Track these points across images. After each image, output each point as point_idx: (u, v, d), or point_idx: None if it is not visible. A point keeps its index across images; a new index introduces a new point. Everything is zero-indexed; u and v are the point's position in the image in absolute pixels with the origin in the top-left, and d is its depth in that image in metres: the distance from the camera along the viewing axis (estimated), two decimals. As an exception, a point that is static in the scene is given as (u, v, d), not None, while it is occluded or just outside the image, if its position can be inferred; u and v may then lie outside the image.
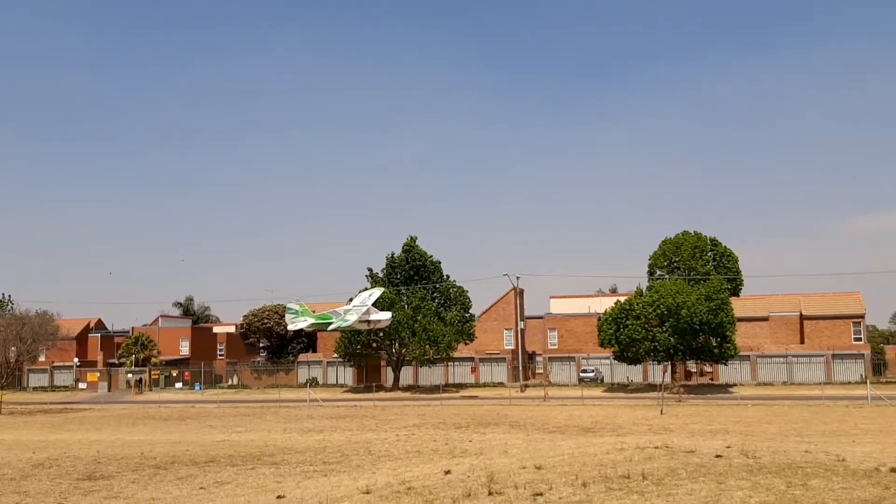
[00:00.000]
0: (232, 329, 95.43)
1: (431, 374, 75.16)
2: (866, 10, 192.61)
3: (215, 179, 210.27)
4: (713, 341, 59.20)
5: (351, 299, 56.92)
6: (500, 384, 71.81)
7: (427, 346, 65.45)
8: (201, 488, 18.72)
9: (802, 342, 73.43)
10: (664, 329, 57.97)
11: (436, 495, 13.35)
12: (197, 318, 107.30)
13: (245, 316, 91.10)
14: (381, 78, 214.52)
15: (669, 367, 62.06)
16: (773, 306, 76.49)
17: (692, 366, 71.90)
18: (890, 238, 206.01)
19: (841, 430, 28.41)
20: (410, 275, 71.60)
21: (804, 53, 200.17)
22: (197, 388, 78.07)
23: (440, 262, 72.95)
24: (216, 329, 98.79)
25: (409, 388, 70.28)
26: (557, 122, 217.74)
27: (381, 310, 64.49)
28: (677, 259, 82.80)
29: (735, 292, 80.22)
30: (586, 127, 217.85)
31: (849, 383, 62.65)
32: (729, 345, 59.17)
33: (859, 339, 72.09)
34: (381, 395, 62.43)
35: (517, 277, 72.42)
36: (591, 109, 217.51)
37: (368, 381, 72.73)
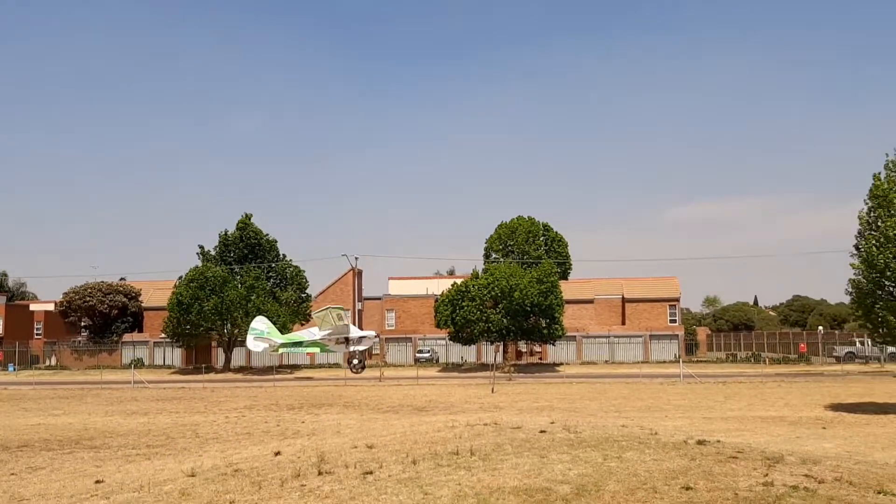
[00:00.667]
0: (51, 307, 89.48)
1: (265, 355, 73.65)
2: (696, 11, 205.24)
3: (31, 151, 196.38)
4: (543, 322, 61.49)
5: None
6: (336, 365, 71.58)
7: (261, 327, 64.09)
8: (12, 474, 17.48)
9: (624, 323, 77.68)
10: (498, 310, 59.60)
11: (264, 476, 13.12)
12: (12, 295, 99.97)
13: (65, 293, 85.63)
14: (220, 52, 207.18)
15: (502, 347, 63.96)
16: (598, 289, 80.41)
17: (523, 346, 74.53)
18: (703, 227, 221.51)
19: (655, 406, 30.26)
20: (245, 253, 69.78)
21: (636, 41, 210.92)
22: (10, 368, 72.86)
23: (276, 241, 71.57)
24: (33, 307, 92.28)
25: (241, 370, 68.69)
26: (399, 102, 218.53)
27: (212, 291, 62.56)
28: (512, 243, 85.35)
29: (564, 276, 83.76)
30: (429, 109, 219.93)
31: (664, 362, 66.90)
32: (557, 326, 61.66)
33: (674, 321, 77.12)
34: (212, 376, 60.63)
35: (356, 258, 72.38)
36: (435, 92, 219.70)
37: (198, 362, 70.42)
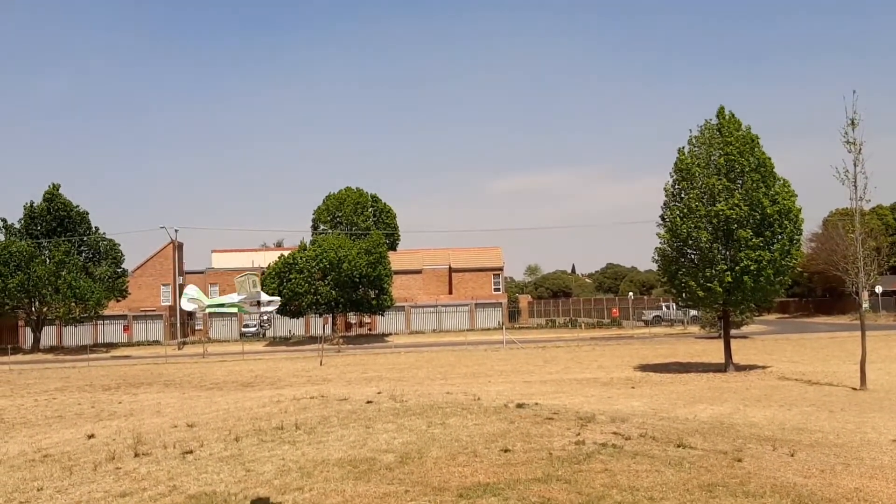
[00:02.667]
0: None
1: (78, 334, 69.67)
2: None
3: None
4: (372, 293, 61.70)
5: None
6: (157, 342, 68.66)
7: (73, 304, 60.25)
8: None
9: (451, 293, 79.39)
10: (326, 282, 59.19)
11: (76, 461, 12.42)
12: None
13: None
14: (27, 13, 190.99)
15: (331, 320, 63.66)
16: (426, 260, 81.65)
17: (352, 317, 74.59)
18: (525, 198, 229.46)
19: (479, 372, 31.19)
20: (53, 226, 65.17)
21: (457, 20, 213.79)
22: None
23: (88, 213, 67.32)
24: None
25: (52, 350, 64.44)
26: (220, 71, 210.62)
27: (17, 267, 58.25)
28: (340, 214, 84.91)
29: (392, 247, 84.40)
30: (254, 74, 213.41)
31: (489, 329, 68.98)
32: (386, 296, 62.06)
33: (498, 290, 79.69)
34: (19, 357, 56.49)
35: (175, 230, 69.28)
36: (264, 61, 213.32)
37: (3, 343, 65.41)
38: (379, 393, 20.86)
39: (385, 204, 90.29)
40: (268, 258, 73.71)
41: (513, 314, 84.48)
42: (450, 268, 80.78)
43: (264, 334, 70.85)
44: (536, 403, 17.71)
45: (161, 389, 29.22)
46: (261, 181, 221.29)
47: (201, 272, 79.82)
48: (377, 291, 61.67)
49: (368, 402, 18.24)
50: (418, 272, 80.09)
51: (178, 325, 66.25)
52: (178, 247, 74.60)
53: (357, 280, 59.42)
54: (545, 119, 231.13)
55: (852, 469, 9.94)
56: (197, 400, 23.39)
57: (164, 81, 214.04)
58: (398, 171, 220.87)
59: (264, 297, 7.77)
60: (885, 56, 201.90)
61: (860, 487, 8.85)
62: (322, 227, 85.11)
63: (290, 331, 70.90)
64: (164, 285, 76.82)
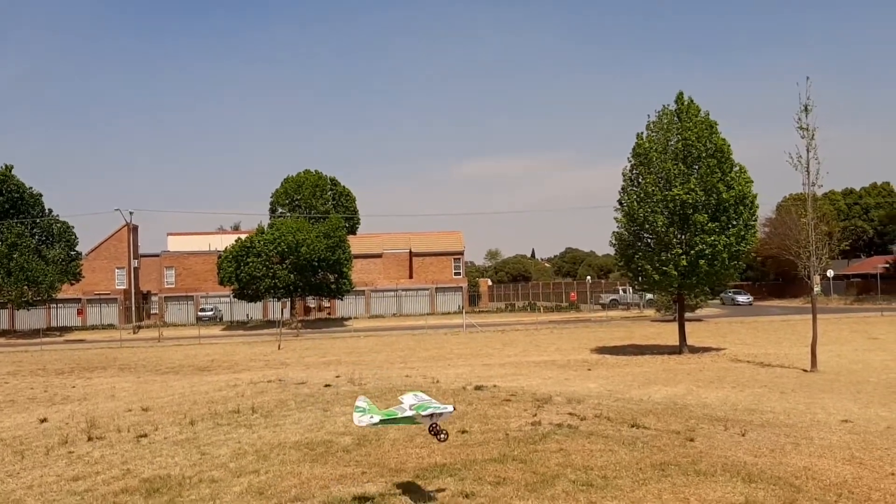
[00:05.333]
0: None
1: (31, 318, 68.36)
2: None
3: None
4: (331, 277, 61.34)
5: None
6: (111, 326, 67.75)
7: (26, 287, 59.10)
8: None
9: (411, 277, 79.32)
10: (284, 266, 58.72)
11: (27, 445, 12.22)
12: None
13: None
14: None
15: (289, 304, 63.26)
16: (387, 244, 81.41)
17: (311, 302, 74.18)
18: (487, 183, 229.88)
19: (439, 356, 31.26)
20: (6, 209, 63.60)
21: (423, 3, 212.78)
22: None
23: (41, 196, 65.84)
24: None
25: (4, 334, 63.24)
26: (177, 45, 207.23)
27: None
28: (299, 197, 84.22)
29: (352, 230, 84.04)
30: (211, 55, 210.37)
31: (449, 313, 69.16)
32: (345, 280, 61.77)
33: (458, 274, 79.78)
34: (-31, 342, 55.33)
35: (130, 213, 68.16)
36: (211, 37, 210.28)
37: (-48, 327, 64.03)
38: (337, 377, 20.81)
39: (345, 187, 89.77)
40: (224, 241, 72.81)
41: (473, 298, 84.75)
42: (410, 252, 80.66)
43: (221, 318, 70.17)
44: (495, 386, 17.82)
45: (115, 374, 28.83)
46: (218, 164, 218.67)
47: (156, 255, 78.70)
48: (336, 275, 61.33)
49: (327, 385, 18.20)
50: (378, 256, 79.86)
51: (133, 308, 65.32)
52: (133, 229, 73.44)
53: (316, 264, 59.03)
54: (507, 104, 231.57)
55: (802, 448, 10.17)
56: (152, 384, 23.11)
57: (116, 62, 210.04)
58: (358, 154, 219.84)
59: (436, 406, 7.57)
60: (839, 44, 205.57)
61: (809, 466, 9.05)
62: (280, 210, 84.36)
63: (247, 315, 70.30)
64: (118, 269, 75.61)
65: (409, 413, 7.70)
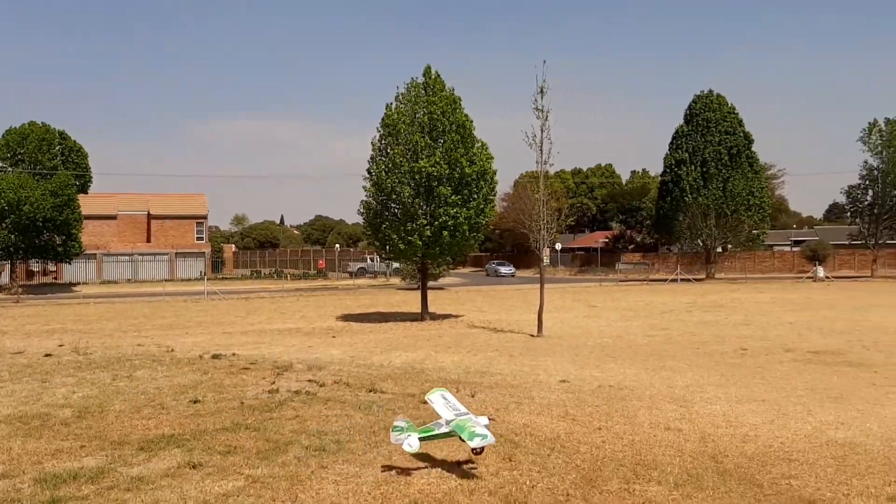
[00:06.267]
0: None
1: None
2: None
3: None
4: (58, 239, 56.50)
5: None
6: None
7: None
8: None
9: (149, 241, 75.13)
10: (5, 226, 53.24)
11: None
12: None
13: None
14: None
15: (9, 267, 57.52)
16: (122, 205, 76.34)
17: (35, 265, 67.94)
18: (235, 146, 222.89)
19: (177, 324, 29.90)
20: None
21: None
22: None
23: None
24: None
25: None
26: None
27: None
28: (22, 151, 76.67)
29: (83, 189, 77.93)
30: None
31: (190, 280, 66.46)
32: (74, 243, 57.16)
33: (201, 239, 76.76)
34: None
35: None
36: None
37: None
38: (61, 346, 19.29)
39: (75, 142, 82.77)
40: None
41: (217, 264, 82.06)
42: (149, 214, 76.20)
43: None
44: (234, 354, 17.38)
45: None
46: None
47: None
48: (64, 237, 56.53)
49: (47, 355, 16.82)
50: (113, 218, 74.67)
51: None
52: None
53: (41, 224, 54.01)
54: (261, 64, 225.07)
55: (523, 407, 10.89)
56: None
57: None
58: (92, 108, 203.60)
59: (481, 432, 6.67)
60: (572, 27, 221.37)
61: (528, 423, 9.71)
62: (1, 164, 76.19)
63: (-42, 279, 63.08)
64: None
65: (445, 429, 7.53)
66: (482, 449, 7.39)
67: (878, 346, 18.34)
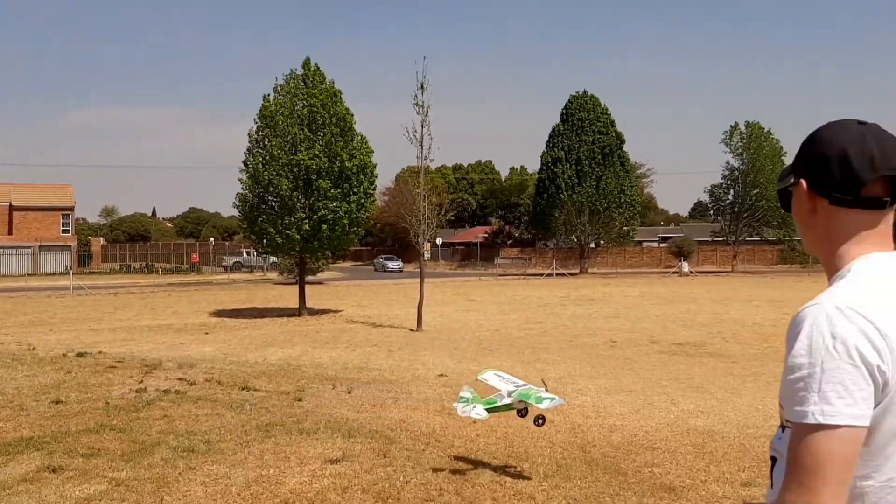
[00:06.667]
0: None
1: None
2: None
3: None
4: None
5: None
6: None
7: None
8: None
9: (10, 233, 71.07)
10: None
11: None
12: None
13: None
14: None
15: None
16: (-20, 195, 71.85)
17: None
18: (102, 133, 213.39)
19: (40, 321, 28.39)
20: None
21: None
22: None
23: None
24: None
25: None
26: None
27: None
28: None
29: (-65, 178, 72.85)
30: None
31: (55, 274, 63.27)
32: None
33: (67, 231, 73.14)
34: None
35: None
36: None
37: None
38: None
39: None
40: None
41: (83, 258, 78.34)
42: (10, 205, 71.95)
43: None
44: (100, 352, 16.67)
45: None
46: None
47: None
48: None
49: None
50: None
51: None
52: None
53: None
54: (130, 51, 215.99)
55: (400, 402, 10.91)
56: None
57: None
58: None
59: (549, 398, 6.05)
60: (457, 22, 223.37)
61: (404, 418, 9.73)
62: None
63: None
64: None
65: (507, 400, 7.28)
66: (544, 420, 7.37)
67: (736, 338, 19.39)
